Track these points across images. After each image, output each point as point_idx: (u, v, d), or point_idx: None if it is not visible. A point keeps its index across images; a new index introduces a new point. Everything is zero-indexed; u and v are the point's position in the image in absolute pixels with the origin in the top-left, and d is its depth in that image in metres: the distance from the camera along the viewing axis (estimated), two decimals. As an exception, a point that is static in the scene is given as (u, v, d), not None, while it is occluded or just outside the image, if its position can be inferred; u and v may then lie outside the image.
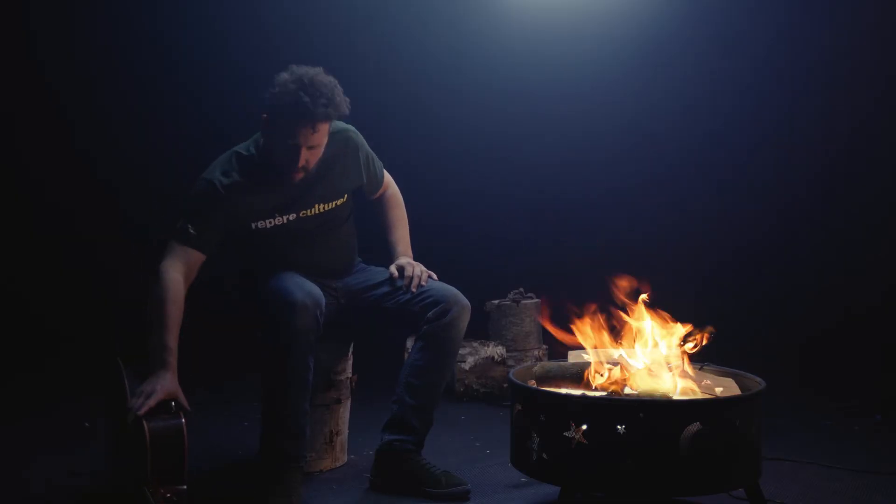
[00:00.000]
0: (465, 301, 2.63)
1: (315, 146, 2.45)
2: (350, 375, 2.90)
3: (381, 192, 2.87)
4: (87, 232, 4.52)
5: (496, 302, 4.24)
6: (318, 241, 2.66)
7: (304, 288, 2.45)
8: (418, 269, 2.68)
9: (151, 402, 2.16)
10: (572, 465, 2.07)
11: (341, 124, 2.62)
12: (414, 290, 2.63)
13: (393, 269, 2.71)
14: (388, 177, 2.89)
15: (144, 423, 2.12)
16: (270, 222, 2.55)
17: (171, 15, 4.45)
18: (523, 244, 4.98)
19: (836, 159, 4.53)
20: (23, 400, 3.74)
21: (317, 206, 2.60)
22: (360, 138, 2.71)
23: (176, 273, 2.43)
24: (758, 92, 4.63)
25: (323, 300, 2.48)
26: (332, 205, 2.63)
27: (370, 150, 2.77)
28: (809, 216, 4.61)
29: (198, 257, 2.49)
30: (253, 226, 2.55)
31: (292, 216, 2.57)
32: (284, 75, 2.44)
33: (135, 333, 4.18)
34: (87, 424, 3.31)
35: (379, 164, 2.81)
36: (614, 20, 4.64)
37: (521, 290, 4.26)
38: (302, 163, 2.44)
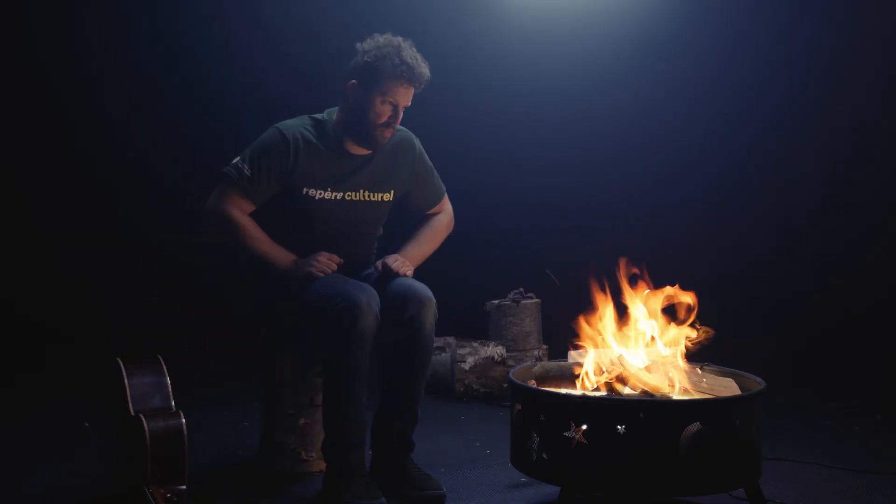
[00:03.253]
0: (426, 294, 2.56)
1: (405, 106, 2.59)
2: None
3: (432, 211, 2.90)
4: (86, 232, 4.52)
5: (496, 302, 4.24)
6: (351, 239, 2.70)
7: (364, 289, 2.47)
8: (399, 263, 2.65)
9: (321, 269, 2.52)
10: (572, 465, 2.07)
11: (404, 128, 2.75)
12: (385, 269, 2.62)
13: (380, 263, 2.68)
14: (446, 204, 2.93)
15: (144, 423, 2.12)
16: (321, 193, 2.59)
17: (171, 15, 4.45)
18: (523, 244, 4.98)
19: (837, 159, 4.53)
20: (23, 400, 3.74)
21: (363, 191, 2.66)
22: (419, 145, 2.81)
23: (236, 212, 2.56)
24: (758, 92, 4.63)
25: (378, 297, 2.49)
26: (376, 196, 2.68)
27: (430, 163, 2.84)
28: (809, 216, 4.61)
29: (247, 206, 2.58)
30: (304, 191, 2.58)
31: (339, 195, 2.62)
32: (372, 41, 2.59)
33: (135, 333, 4.21)
34: (87, 424, 3.31)
35: (438, 180, 2.87)
36: (614, 20, 4.63)
37: (521, 290, 4.26)
38: (396, 115, 2.57)
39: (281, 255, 2.58)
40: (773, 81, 4.61)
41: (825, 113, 4.48)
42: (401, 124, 2.69)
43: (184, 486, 2.12)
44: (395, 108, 2.57)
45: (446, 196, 2.93)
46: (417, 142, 2.80)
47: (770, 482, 2.54)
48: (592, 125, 4.80)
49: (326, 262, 2.57)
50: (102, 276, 4.52)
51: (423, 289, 2.58)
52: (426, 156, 2.83)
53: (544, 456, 2.12)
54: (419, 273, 2.73)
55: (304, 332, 2.66)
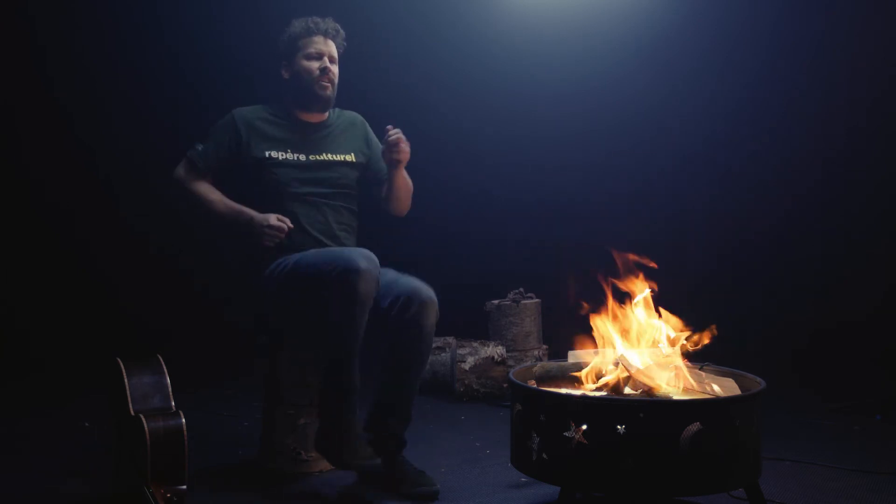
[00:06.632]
0: (429, 295, 2.60)
1: (332, 59, 2.83)
2: (350, 375, 2.90)
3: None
4: (86, 231, 4.52)
5: (496, 302, 4.24)
6: (322, 204, 2.78)
7: (363, 252, 2.48)
8: (403, 142, 2.76)
9: (274, 228, 2.62)
10: (572, 465, 2.07)
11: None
12: (392, 138, 2.74)
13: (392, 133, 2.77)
14: None
15: (144, 423, 2.12)
16: (283, 155, 2.77)
17: (172, 15, 4.46)
18: (523, 244, 4.98)
19: (836, 159, 4.53)
20: (23, 400, 3.75)
21: (325, 154, 2.83)
22: (368, 126, 3.03)
23: (190, 179, 2.77)
24: (757, 93, 4.64)
25: (377, 260, 2.50)
26: (338, 157, 2.85)
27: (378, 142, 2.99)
28: (810, 216, 4.61)
29: (202, 176, 2.78)
30: (266, 153, 2.76)
31: (302, 156, 2.79)
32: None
33: (134, 333, 4.21)
34: (87, 424, 3.31)
35: None
36: (616, 21, 4.64)
37: (521, 290, 4.26)
38: (325, 66, 2.78)
39: (235, 215, 2.71)
40: (772, 85, 4.62)
41: (824, 115, 4.49)
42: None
43: (184, 486, 2.12)
44: (321, 58, 2.80)
45: None
46: (364, 120, 3.03)
47: (770, 482, 2.54)
48: (593, 125, 4.81)
49: (277, 225, 2.65)
50: (102, 275, 4.52)
51: (428, 290, 2.61)
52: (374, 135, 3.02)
53: (544, 456, 2.12)
54: (422, 272, 2.74)
55: (299, 335, 2.69)
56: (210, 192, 2.76)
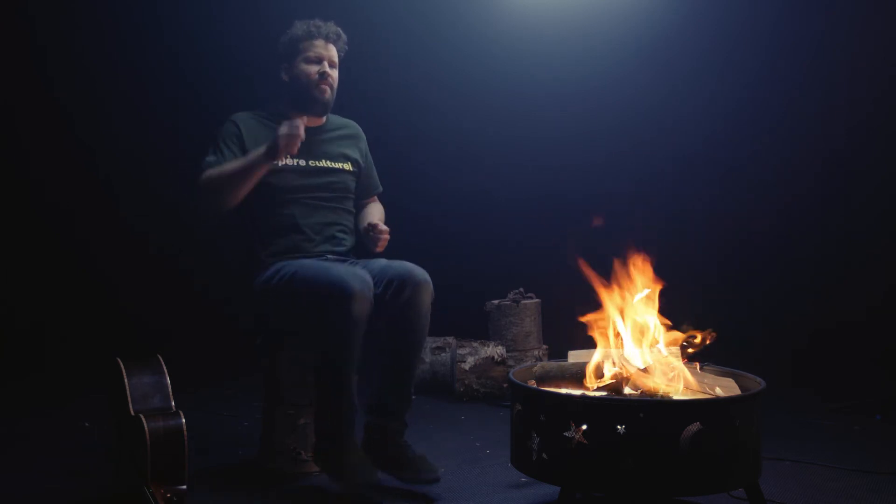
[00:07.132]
0: (422, 276, 2.61)
1: (332, 63, 2.81)
2: (350, 375, 2.90)
3: (369, 200, 3.07)
4: (86, 231, 4.52)
5: (496, 302, 4.24)
6: (321, 206, 2.80)
7: (355, 274, 2.49)
8: (384, 233, 2.78)
9: (289, 135, 2.54)
10: (572, 465, 2.07)
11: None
12: (378, 236, 2.75)
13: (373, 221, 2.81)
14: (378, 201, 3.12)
15: (144, 423, 2.12)
16: (282, 160, 2.73)
17: (172, 15, 4.46)
18: (523, 244, 4.98)
19: (836, 159, 4.53)
20: (22, 400, 3.74)
21: (324, 160, 2.84)
22: (364, 137, 3.05)
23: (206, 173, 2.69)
24: (757, 93, 4.63)
25: (371, 282, 2.53)
26: (337, 165, 2.87)
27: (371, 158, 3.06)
28: (809, 216, 4.61)
29: None
30: None
31: (302, 161, 2.78)
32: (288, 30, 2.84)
33: (134, 333, 4.20)
34: (87, 424, 3.31)
35: (375, 172, 3.07)
36: (616, 20, 4.64)
37: (521, 290, 4.26)
38: (325, 70, 2.77)
39: (254, 154, 2.65)
40: (772, 85, 4.61)
41: (824, 115, 4.48)
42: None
43: (184, 486, 2.12)
44: (321, 62, 2.79)
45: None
46: (362, 132, 3.04)
47: (770, 482, 2.54)
48: (592, 125, 4.81)
49: (287, 133, 2.56)
50: (102, 275, 4.52)
51: (421, 271, 2.63)
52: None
53: (544, 456, 2.12)
54: (420, 262, 2.75)
55: (298, 336, 2.70)
56: (218, 166, 2.69)
